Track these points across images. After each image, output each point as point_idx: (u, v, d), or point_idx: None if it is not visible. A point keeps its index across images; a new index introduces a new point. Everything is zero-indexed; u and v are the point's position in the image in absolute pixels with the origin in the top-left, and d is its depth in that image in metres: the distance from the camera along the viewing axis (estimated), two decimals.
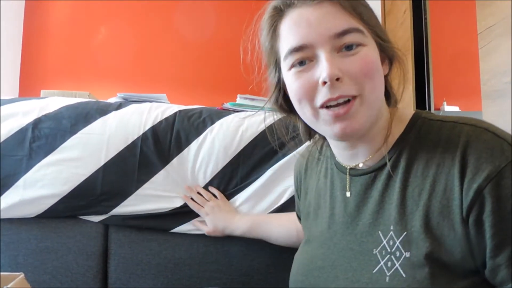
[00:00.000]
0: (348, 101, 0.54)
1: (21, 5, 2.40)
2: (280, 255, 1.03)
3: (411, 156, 0.56)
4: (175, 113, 1.12)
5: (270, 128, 0.82)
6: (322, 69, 0.52)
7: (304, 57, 0.55)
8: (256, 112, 1.06)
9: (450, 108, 1.67)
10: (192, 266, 1.05)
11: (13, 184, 1.01)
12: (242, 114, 1.16)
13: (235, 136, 1.08)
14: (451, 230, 0.51)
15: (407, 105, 1.72)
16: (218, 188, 1.06)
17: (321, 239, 0.67)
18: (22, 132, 1.04)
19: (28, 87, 2.34)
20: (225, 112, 1.17)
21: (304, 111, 0.58)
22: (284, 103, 0.66)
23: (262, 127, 1.07)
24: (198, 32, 2.49)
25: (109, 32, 2.50)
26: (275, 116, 0.74)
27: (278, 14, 0.58)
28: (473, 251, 0.50)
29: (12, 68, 2.29)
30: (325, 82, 0.53)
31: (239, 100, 1.33)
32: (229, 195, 1.07)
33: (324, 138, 0.72)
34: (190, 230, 1.06)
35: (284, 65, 0.58)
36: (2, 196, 1.00)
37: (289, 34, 0.56)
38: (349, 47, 0.53)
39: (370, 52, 0.55)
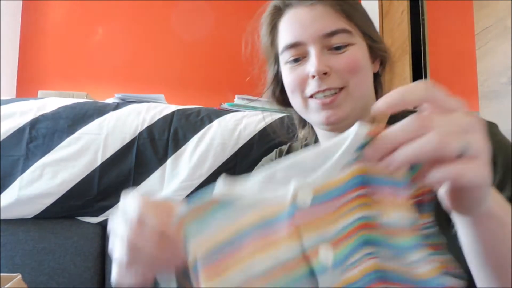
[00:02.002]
0: (335, 93, 0.60)
1: (18, 5, 2.39)
2: None
3: None
4: (173, 112, 1.12)
5: (270, 126, 0.83)
6: (311, 65, 0.59)
7: (298, 54, 0.61)
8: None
9: None
10: None
11: (10, 185, 1.00)
12: (240, 113, 1.16)
13: (233, 134, 1.08)
14: None
15: None
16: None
17: None
18: (19, 132, 1.04)
19: (26, 88, 2.33)
20: (223, 112, 1.17)
21: (296, 101, 0.64)
22: (280, 95, 0.72)
23: (260, 126, 1.07)
24: (196, 32, 2.49)
25: (107, 33, 2.49)
26: (273, 116, 0.76)
27: (278, 12, 0.64)
28: None
29: (9, 69, 2.28)
30: (314, 76, 0.59)
31: (237, 100, 1.33)
32: None
33: (314, 134, 0.75)
34: None
35: (281, 58, 0.65)
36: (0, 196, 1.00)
37: (286, 32, 0.62)
38: (338, 48, 0.59)
39: (357, 51, 0.60)
